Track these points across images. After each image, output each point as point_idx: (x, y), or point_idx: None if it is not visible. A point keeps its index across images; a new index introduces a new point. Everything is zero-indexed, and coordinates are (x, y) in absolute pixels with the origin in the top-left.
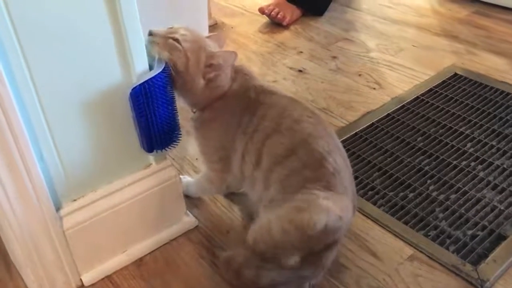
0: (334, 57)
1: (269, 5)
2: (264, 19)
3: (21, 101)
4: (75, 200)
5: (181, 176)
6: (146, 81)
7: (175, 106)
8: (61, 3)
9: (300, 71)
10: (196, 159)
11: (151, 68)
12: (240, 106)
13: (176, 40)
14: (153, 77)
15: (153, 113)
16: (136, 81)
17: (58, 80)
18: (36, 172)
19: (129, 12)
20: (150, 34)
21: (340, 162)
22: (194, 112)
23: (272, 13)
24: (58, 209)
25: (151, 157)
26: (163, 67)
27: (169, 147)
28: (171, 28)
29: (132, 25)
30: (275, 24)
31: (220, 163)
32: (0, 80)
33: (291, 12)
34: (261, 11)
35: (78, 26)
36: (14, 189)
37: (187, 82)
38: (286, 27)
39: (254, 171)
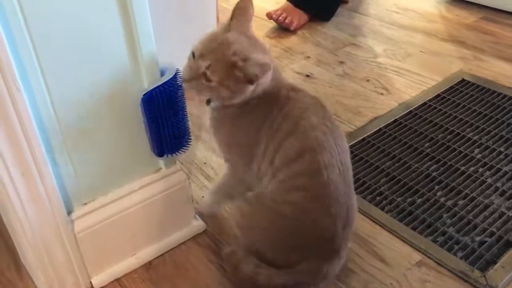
0: (342, 62)
1: (276, 10)
2: (272, 24)
3: (35, 105)
4: (86, 203)
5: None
6: (158, 87)
7: (186, 111)
8: (75, 7)
9: (307, 76)
10: (205, 163)
11: (162, 74)
12: (272, 103)
13: (205, 75)
14: (164, 83)
15: (164, 118)
16: (147, 86)
17: (71, 84)
18: (49, 176)
19: (142, 19)
20: (184, 80)
21: (334, 177)
22: (208, 103)
23: (280, 18)
24: (69, 212)
25: (161, 162)
26: (174, 73)
27: (179, 151)
28: (194, 56)
29: (145, 31)
30: (283, 29)
31: (242, 158)
32: (15, 85)
33: (298, 17)
34: (269, 16)
35: (92, 31)
36: (27, 192)
37: (238, 97)
38: (294, 32)
39: (268, 168)
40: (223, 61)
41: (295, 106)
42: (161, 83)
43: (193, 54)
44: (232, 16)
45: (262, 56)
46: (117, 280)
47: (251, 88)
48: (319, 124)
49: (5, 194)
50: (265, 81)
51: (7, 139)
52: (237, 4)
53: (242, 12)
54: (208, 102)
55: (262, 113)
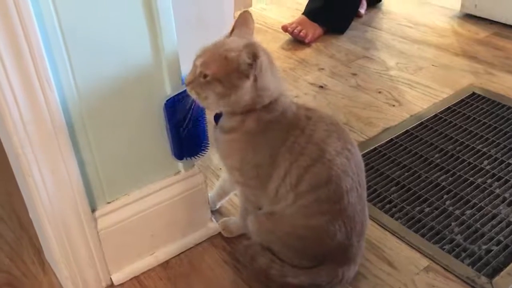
0: (355, 74)
1: (292, 23)
2: (287, 36)
3: (67, 110)
4: (109, 202)
5: (225, 219)
6: (180, 93)
7: (205, 117)
8: (106, 16)
9: (321, 87)
10: (220, 169)
11: (183, 81)
12: (292, 123)
13: (201, 74)
14: (186, 90)
15: (184, 124)
16: (170, 93)
17: (99, 88)
18: (76, 175)
19: (167, 29)
20: (186, 84)
21: (353, 200)
22: (217, 124)
23: (295, 31)
24: (93, 210)
25: (180, 165)
26: None
27: (198, 155)
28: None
29: (169, 40)
30: (297, 41)
31: (256, 179)
32: (49, 86)
33: (313, 30)
34: (284, 28)
35: (120, 39)
36: (56, 189)
37: (235, 94)
38: (308, 44)
39: (289, 192)
40: (216, 55)
41: (318, 128)
42: (182, 90)
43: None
44: (234, 27)
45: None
46: (136, 277)
47: (248, 83)
48: (343, 149)
49: (35, 191)
50: (266, 84)
51: (41, 140)
52: (239, 16)
53: (243, 22)
54: (216, 121)
55: (281, 132)
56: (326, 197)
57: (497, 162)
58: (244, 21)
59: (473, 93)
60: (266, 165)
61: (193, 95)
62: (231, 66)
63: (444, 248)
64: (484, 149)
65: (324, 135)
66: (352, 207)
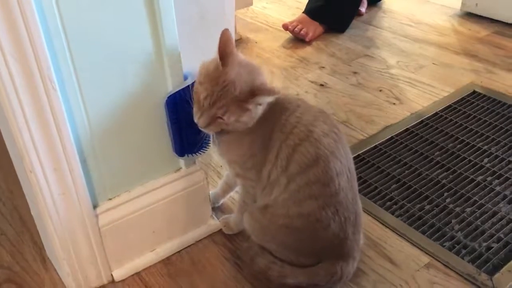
0: (355, 73)
1: (292, 22)
2: (288, 35)
3: (68, 104)
4: (110, 199)
5: (226, 216)
6: (181, 90)
7: None
8: (108, 15)
9: (322, 85)
10: (221, 166)
11: (185, 78)
12: (284, 107)
13: (221, 118)
14: (187, 87)
15: (185, 120)
16: (171, 89)
17: (101, 86)
18: (78, 172)
19: (169, 26)
20: (202, 127)
21: (344, 184)
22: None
23: (296, 29)
24: (95, 207)
25: (181, 161)
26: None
27: (199, 152)
28: (200, 93)
29: (170, 38)
30: (298, 40)
31: (253, 170)
32: (51, 84)
33: (314, 28)
34: (285, 27)
35: (122, 38)
36: (58, 186)
37: (252, 122)
38: (309, 43)
39: (280, 175)
40: (235, 102)
41: (306, 113)
42: (184, 86)
43: (201, 97)
44: (222, 51)
45: (263, 80)
46: (137, 274)
47: (261, 108)
48: (330, 131)
49: (37, 188)
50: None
51: (43, 137)
52: (221, 38)
53: (228, 43)
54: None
55: (275, 117)
56: (315, 179)
57: (497, 160)
58: (228, 41)
59: (474, 92)
60: (260, 153)
61: (209, 132)
62: (251, 106)
63: (445, 245)
64: (485, 147)
65: (312, 119)
66: (343, 193)
